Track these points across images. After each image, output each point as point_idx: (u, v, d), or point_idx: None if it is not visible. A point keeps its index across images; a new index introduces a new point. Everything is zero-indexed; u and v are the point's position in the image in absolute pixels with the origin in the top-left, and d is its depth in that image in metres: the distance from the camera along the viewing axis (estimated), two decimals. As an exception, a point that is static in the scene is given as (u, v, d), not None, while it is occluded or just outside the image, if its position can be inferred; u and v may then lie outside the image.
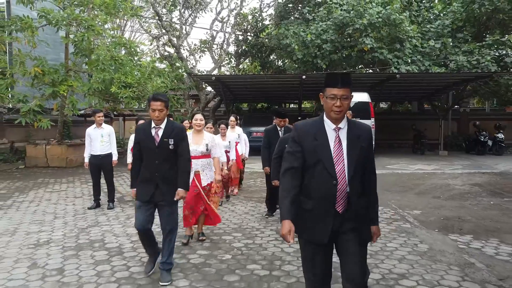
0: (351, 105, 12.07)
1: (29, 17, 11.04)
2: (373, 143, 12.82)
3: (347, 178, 2.22)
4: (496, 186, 8.71)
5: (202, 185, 4.55)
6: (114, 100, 12.60)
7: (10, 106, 12.79)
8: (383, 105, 24.19)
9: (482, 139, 15.68)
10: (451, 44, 14.46)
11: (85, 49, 11.41)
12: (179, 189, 3.55)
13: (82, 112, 13.48)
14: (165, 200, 3.52)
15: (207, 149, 4.62)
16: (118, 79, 10.57)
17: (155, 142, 3.52)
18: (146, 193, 3.51)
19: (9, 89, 11.18)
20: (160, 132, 3.54)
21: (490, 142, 15.79)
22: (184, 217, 4.53)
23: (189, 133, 4.59)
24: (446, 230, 5.21)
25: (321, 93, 2.32)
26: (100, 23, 11.37)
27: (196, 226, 4.76)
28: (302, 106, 22.13)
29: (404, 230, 5.20)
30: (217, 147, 4.80)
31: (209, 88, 18.24)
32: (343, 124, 2.30)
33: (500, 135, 15.74)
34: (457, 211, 6.38)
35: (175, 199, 3.54)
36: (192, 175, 4.40)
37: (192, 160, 4.32)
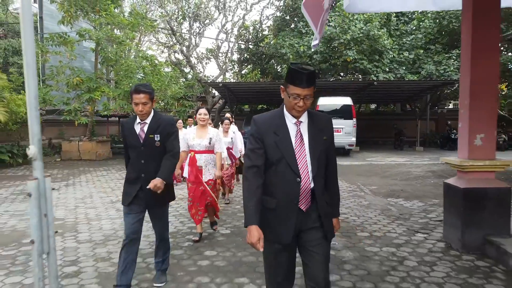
0: (338, 107, 14.87)
1: (67, 34, 13.48)
2: (354, 138, 15.13)
3: (310, 175, 2.09)
4: (445, 172, 11.06)
5: (205, 181, 4.55)
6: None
7: (47, 108, 15.20)
8: (372, 106, 26.54)
9: (452, 137, 18.06)
10: (424, 55, 16.83)
11: (113, 60, 13.83)
12: (157, 178, 3.06)
13: (105, 113, 15.90)
14: (153, 205, 3.21)
15: (210, 143, 4.56)
16: (144, 86, 13.02)
17: (140, 140, 3.14)
18: (130, 197, 3.15)
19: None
20: (146, 128, 3.15)
21: (460, 139, 18.18)
22: (192, 216, 4.63)
23: (193, 128, 4.77)
24: (387, 196, 7.55)
25: (282, 86, 2.14)
26: (128, 40, 13.78)
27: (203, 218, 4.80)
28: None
29: (358, 195, 7.56)
30: (221, 142, 4.69)
31: (214, 91, 20.66)
32: (304, 118, 2.15)
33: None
34: (403, 187, 8.73)
35: (148, 187, 3.07)
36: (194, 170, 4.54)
37: (196, 154, 4.54)
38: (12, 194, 7.82)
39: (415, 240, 4.61)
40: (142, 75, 13.40)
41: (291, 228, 2.09)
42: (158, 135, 3.13)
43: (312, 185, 2.10)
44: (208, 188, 4.54)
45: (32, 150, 2.71)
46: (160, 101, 13.55)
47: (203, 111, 4.58)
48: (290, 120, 2.13)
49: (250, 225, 2.00)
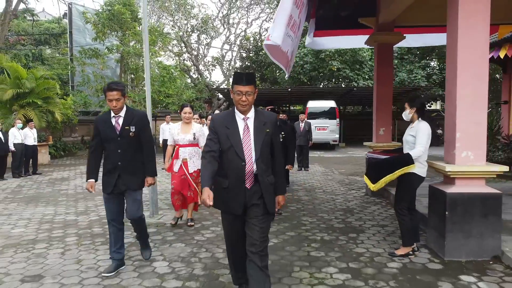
0: (326, 109, 18.34)
1: (97, 49, 16.46)
2: (338, 135, 17.89)
3: (253, 160, 2.57)
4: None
5: (189, 172, 4.81)
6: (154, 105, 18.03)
7: (79, 110, 18.17)
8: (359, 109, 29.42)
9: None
10: (399, 64, 19.72)
11: (134, 69, 16.80)
12: (148, 177, 3.57)
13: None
14: (129, 189, 3.49)
15: (194, 138, 4.84)
16: (164, 91, 15.99)
17: (117, 131, 3.44)
18: (110, 185, 3.46)
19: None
20: (121, 121, 3.46)
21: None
22: (173, 202, 4.96)
23: (179, 123, 5.00)
24: (348, 175, 10.42)
25: (231, 89, 2.63)
26: (151, 53, 16.76)
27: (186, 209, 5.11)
28: (294, 108, 27.54)
29: (327, 174, 10.46)
30: (204, 137, 4.80)
31: (219, 94, 23.61)
32: (251, 114, 2.64)
33: (439, 131, 21.01)
34: (365, 170, 11.59)
35: (145, 186, 3.58)
36: (180, 163, 4.84)
37: (180, 148, 4.84)
38: (75, 174, 10.76)
39: (349, 193, 7.52)
40: (161, 82, 16.34)
41: (241, 202, 2.60)
42: (134, 127, 3.47)
43: (255, 167, 2.58)
44: (190, 179, 4.84)
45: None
46: (173, 104, 16.45)
47: (187, 109, 4.85)
48: (239, 117, 2.64)
49: (203, 187, 2.50)
